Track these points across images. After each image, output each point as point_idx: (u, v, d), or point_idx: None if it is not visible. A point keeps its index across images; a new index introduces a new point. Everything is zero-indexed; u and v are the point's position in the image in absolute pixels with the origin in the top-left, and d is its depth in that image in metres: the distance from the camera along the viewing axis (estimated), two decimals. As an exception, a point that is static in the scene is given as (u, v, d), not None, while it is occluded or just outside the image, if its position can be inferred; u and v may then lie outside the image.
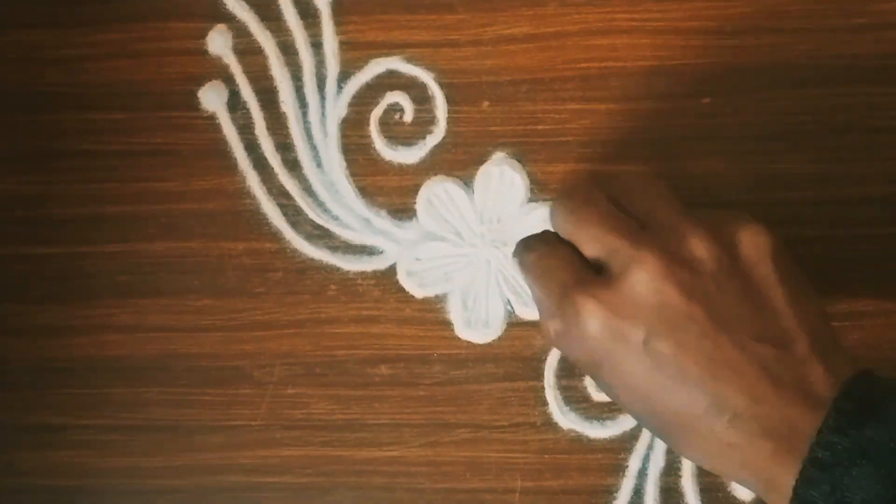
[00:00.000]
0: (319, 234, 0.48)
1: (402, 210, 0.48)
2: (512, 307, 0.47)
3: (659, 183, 0.41)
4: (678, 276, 0.37)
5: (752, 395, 0.36)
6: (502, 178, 0.47)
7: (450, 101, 0.47)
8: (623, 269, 0.37)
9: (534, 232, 0.42)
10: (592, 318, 0.37)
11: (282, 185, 0.48)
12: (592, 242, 0.39)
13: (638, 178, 0.41)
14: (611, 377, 0.38)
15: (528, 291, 0.47)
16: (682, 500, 0.46)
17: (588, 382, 0.47)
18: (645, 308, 0.37)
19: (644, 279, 0.37)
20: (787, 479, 0.35)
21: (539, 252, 0.40)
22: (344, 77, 0.48)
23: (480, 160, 0.47)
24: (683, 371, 0.36)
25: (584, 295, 0.37)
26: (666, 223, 0.38)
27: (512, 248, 0.46)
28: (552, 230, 0.41)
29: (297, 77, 0.48)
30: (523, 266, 0.41)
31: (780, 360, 0.36)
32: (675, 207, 0.39)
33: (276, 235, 0.48)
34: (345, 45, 0.48)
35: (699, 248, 0.37)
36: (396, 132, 0.48)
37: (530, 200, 0.47)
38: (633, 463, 0.46)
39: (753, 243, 0.38)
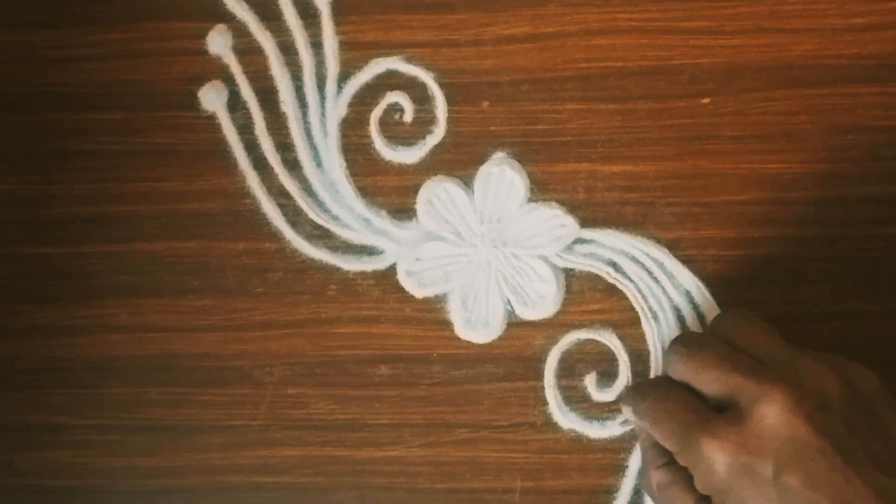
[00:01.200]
0: (319, 234, 0.48)
1: (402, 210, 0.48)
2: (512, 307, 0.47)
3: (762, 322, 0.42)
4: (806, 409, 0.38)
5: None
6: (502, 178, 0.47)
7: (450, 101, 0.47)
8: (750, 405, 0.38)
9: (639, 383, 0.44)
10: (720, 454, 0.38)
11: (282, 185, 0.48)
12: (714, 383, 0.40)
13: (743, 319, 0.42)
14: None
15: (529, 291, 0.47)
16: (682, 500, 0.46)
17: (588, 382, 0.47)
18: (774, 442, 0.37)
19: (773, 413, 0.38)
20: None
21: (655, 396, 0.42)
22: (344, 77, 0.48)
23: (480, 160, 0.47)
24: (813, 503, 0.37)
25: (710, 433, 0.38)
26: (784, 360, 0.40)
27: (512, 247, 0.47)
28: (663, 375, 0.42)
29: (297, 77, 0.48)
30: (638, 412, 0.42)
31: None
32: (785, 345, 0.41)
33: (276, 235, 0.48)
34: (345, 45, 0.48)
35: (823, 382, 0.38)
36: (396, 132, 0.48)
37: (530, 200, 0.47)
38: (633, 463, 0.46)
39: (865, 379, 0.40)
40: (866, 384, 0.40)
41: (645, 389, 0.43)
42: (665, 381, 0.42)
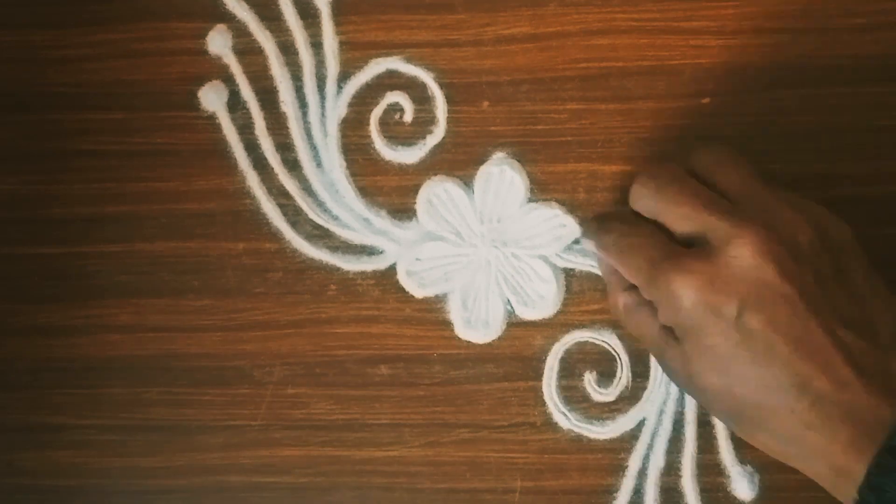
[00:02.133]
0: (319, 234, 0.48)
1: (402, 210, 0.48)
2: (512, 307, 0.47)
3: (743, 159, 0.41)
4: (776, 254, 0.38)
5: (837, 379, 0.36)
6: (502, 178, 0.47)
7: (450, 101, 0.47)
8: (720, 245, 0.38)
9: (601, 214, 0.43)
10: (687, 290, 0.38)
11: (282, 185, 0.48)
12: (684, 220, 0.39)
13: (721, 154, 0.42)
14: (693, 352, 0.39)
15: (529, 291, 0.47)
16: (682, 500, 0.46)
17: (588, 382, 0.47)
18: (741, 283, 0.37)
19: (743, 254, 0.38)
20: (859, 466, 0.36)
21: (621, 231, 0.41)
22: (344, 77, 0.48)
23: (480, 160, 0.47)
24: (772, 348, 0.37)
25: (677, 268, 0.38)
26: (760, 202, 0.39)
27: (512, 247, 0.47)
28: (629, 209, 0.42)
29: (297, 77, 0.48)
30: (602, 245, 0.42)
31: (865, 348, 0.37)
32: (763, 186, 0.40)
33: (276, 235, 0.48)
34: (345, 45, 0.48)
35: (796, 230, 0.38)
36: (396, 132, 0.48)
37: (530, 200, 0.47)
38: (633, 463, 0.46)
39: (839, 231, 0.39)
40: (840, 235, 0.39)
41: (609, 223, 0.42)
42: (631, 216, 0.42)
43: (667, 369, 0.42)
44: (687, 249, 0.39)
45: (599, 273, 0.46)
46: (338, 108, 0.48)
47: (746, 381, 0.38)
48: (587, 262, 0.47)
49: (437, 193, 0.47)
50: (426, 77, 0.47)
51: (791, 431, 0.37)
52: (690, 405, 0.46)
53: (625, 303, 0.42)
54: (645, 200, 0.41)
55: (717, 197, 0.40)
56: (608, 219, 0.43)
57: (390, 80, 0.48)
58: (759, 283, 0.37)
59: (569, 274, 0.47)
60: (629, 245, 0.41)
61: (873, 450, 0.36)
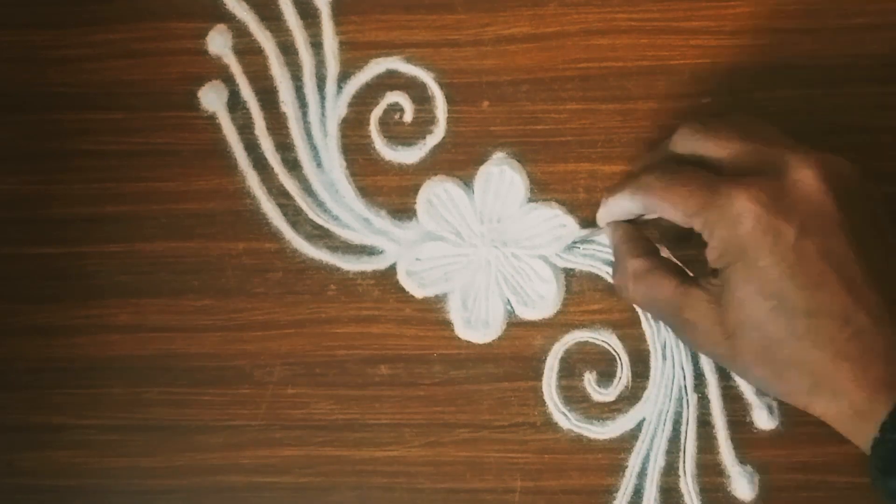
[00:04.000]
0: (319, 234, 0.48)
1: (402, 210, 0.48)
2: (512, 307, 0.47)
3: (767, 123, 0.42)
4: (836, 185, 0.39)
5: (877, 316, 0.37)
6: (502, 178, 0.47)
7: (450, 101, 0.47)
8: (784, 169, 0.39)
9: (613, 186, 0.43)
10: (751, 207, 0.38)
11: (282, 185, 0.48)
12: (740, 152, 0.40)
13: (746, 118, 0.43)
14: (739, 277, 0.39)
15: (529, 291, 0.47)
16: (682, 500, 0.46)
17: (588, 382, 0.47)
18: (802, 206, 0.38)
19: (807, 179, 0.38)
20: (884, 404, 0.37)
21: (664, 168, 0.41)
22: (344, 77, 0.48)
23: (480, 160, 0.47)
24: (824, 275, 0.38)
25: (741, 185, 0.38)
26: (802, 146, 0.40)
27: (512, 248, 0.47)
28: (663, 155, 0.42)
29: (297, 77, 0.48)
30: (642, 185, 0.42)
31: None
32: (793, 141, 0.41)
33: (276, 235, 0.48)
34: (345, 45, 0.48)
35: (848, 169, 0.39)
36: (396, 132, 0.48)
37: (530, 200, 0.47)
38: (633, 463, 0.46)
39: (874, 185, 0.40)
40: (875, 189, 0.41)
41: (650, 165, 0.42)
42: (672, 158, 0.42)
43: (685, 326, 0.41)
44: (743, 175, 0.39)
45: (600, 273, 0.46)
46: (338, 108, 0.48)
47: (794, 306, 0.38)
48: (587, 262, 0.47)
49: (437, 193, 0.47)
50: (426, 77, 0.47)
51: (823, 365, 0.38)
52: (691, 405, 0.46)
53: (635, 268, 0.42)
54: (694, 139, 0.41)
55: (774, 130, 0.41)
56: (645, 165, 0.43)
57: (390, 80, 0.48)
58: (819, 209, 0.38)
59: (569, 274, 0.47)
60: (678, 176, 0.40)
61: None
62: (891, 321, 0.37)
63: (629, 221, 0.44)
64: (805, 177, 0.38)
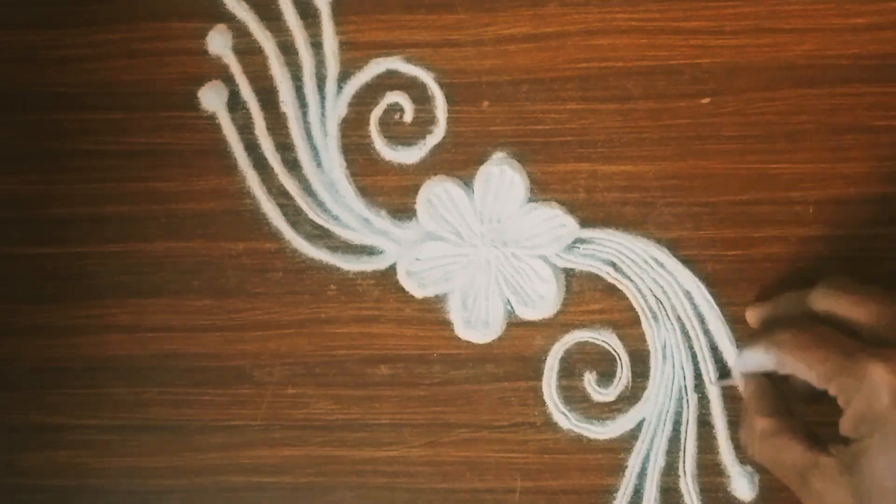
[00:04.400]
0: (319, 234, 0.48)
1: (402, 210, 0.48)
2: (512, 307, 0.47)
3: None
4: None
5: None
6: (502, 178, 0.47)
7: (450, 101, 0.47)
8: None
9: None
10: (888, 381, 0.37)
11: (282, 185, 0.48)
12: (879, 317, 0.40)
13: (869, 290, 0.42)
14: (878, 449, 0.38)
15: (529, 291, 0.47)
16: (682, 500, 0.46)
17: (588, 382, 0.47)
18: None
19: None
20: None
21: (800, 327, 0.41)
22: (344, 77, 0.48)
23: (480, 160, 0.47)
24: None
25: (879, 357, 0.38)
26: None
27: (512, 248, 0.47)
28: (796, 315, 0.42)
29: (297, 77, 0.48)
30: (777, 342, 0.41)
31: None
32: None
33: (276, 235, 0.48)
34: (345, 45, 0.48)
35: None
36: (396, 132, 0.48)
37: (530, 200, 0.47)
38: (633, 463, 0.46)
39: None
40: None
41: (785, 321, 0.42)
42: (808, 316, 0.42)
43: (813, 494, 0.40)
44: (882, 346, 0.39)
45: (600, 273, 0.46)
46: (338, 108, 0.48)
47: None
48: (587, 262, 0.47)
49: (437, 193, 0.47)
50: (426, 77, 0.47)
51: None
52: (691, 405, 0.46)
53: (763, 428, 0.41)
54: (833, 298, 0.41)
55: None
56: (782, 318, 0.43)
57: (390, 80, 0.48)
58: None
59: (569, 274, 0.47)
60: (816, 337, 0.40)
61: None
62: None
63: (765, 376, 0.43)
64: None
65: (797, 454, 0.40)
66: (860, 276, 0.45)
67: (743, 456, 0.46)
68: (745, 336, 0.46)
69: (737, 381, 0.44)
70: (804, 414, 0.42)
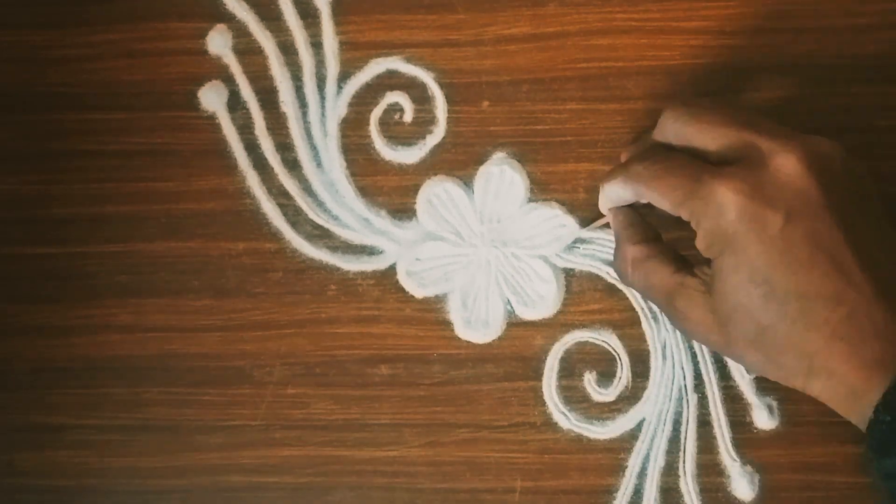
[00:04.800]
0: (319, 234, 0.48)
1: (402, 210, 0.48)
2: (512, 307, 0.47)
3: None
4: (819, 168, 0.39)
5: (870, 297, 0.37)
6: (502, 178, 0.47)
7: (450, 101, 0.47)
8: (766, 157, 0.39)
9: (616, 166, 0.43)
10: (733, 197, 0.38)
11: (282, 185, 0.48)
12: (723, 139, 0.40)
13: (728, 105, 0.43)
14: (729, 266, 0.39)
15: (529, 291, 0.47)
16: (682, 500, 0.46)
17: (588, 382, 0.47)
18: (787, 193, 0.38)
19: (790, 164, 0.38)
20: (879, 385, 0.37)
21: (654, 157, 0.41)
22: (344, 77, 0.48)
23: (480, 160, 0.47)
24: (813, 258, 0.38)
25: (722, 177, 0.39)
26: (783, 130, 0.40)
27: (512, 248, 0.47)
28: (653, 142, 0.42)
29: (297, 77, 0.48)
30: (632, 174, 0.42)
31: (891, 274, 0.38)
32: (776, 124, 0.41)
33: (276, 235, 0.48)
34: (345, 45, 0.48)
35: (830, 150, 0.39)
36: (396, 132, 0.48)
37: (530, 200, 0.47)
38: (633, 463, 0.46)
39: (858, 163, 0.40)
40: (859, 167, 0.40)
41: (641, 153, 0.42)
42: (660, 145, 0.42)
43: (678, 315, 0.42)
44: (727, 165, 0.39)
45: (600, 273, 0.46)
46: (338, 108, 0.48)
47: (785, 291, 0.38)
48: (587, 262, 0.47)
49: (437, 193, 0.47)
50: (426, 77, 0.47)
51: (818, 347, 0.38)
52: (691, 405, 0.46)
53: (634, 255, 0.43)
54: (678, 125, 0.41)
55: (757, 115, 0.41)
56: (637, 151, 0.43)
57: (390, 80, 0.48)
58: (803, 194, 0.38)
59: (569, 274, 0.47)
60: (666, 166, 0.41)
61: (894, 370, 0.37)
62: (883, 300, 0.38)
63: (630, 206, 0.44)
64: (787, 162, 0.38)
65: (665, 277, 0.42)
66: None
67: (743, 455, 0.46)
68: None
69: (606, 216, 0.45)
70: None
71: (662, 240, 0.43)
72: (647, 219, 0.44)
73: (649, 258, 0.42)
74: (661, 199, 0.41)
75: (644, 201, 0.42)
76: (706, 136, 0.40)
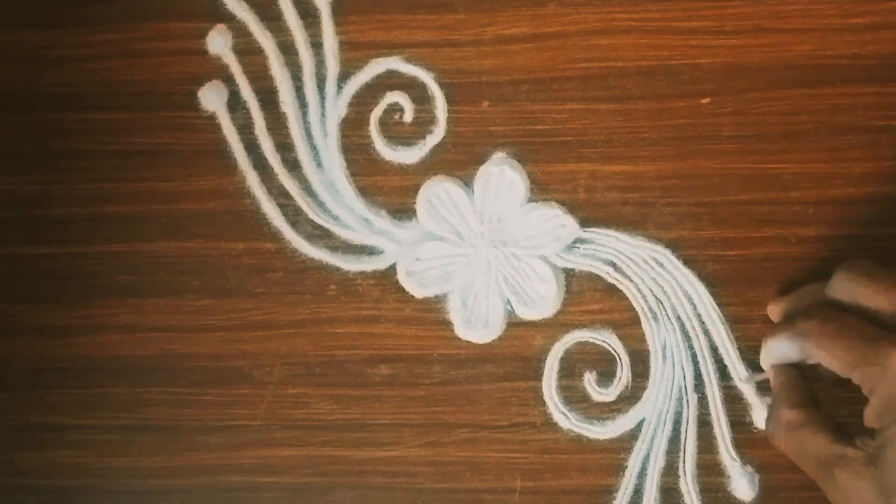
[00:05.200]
0: (319, 234, 0.48)
1: (402, 210, 0.48)
2: (512, 307, 0.47)
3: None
4: None
5: None
6: (502, 178, 0.47)
7: (450, 101, 0.47)
8: None
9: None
10: None
11: (282, 185, 0.48)
12: None
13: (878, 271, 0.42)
14: None
15: (529, 291, 0.47)
16: (682, 500, 0.46)
17: (588, 382, 0.47)
18: None
19: None
20: None
21: (824, 316, 0.40)
22: (344, 77, 0.48)
23: (480, 160, 0.47)
24: None
25: None
26: None
27: (512, 248, 0.47)
28: (822, 302, 0.41)
29: (297, 77, 0.48)
30: (800, 332, 0.41)
31: None
32: None
33: (276, 235, 0.48)
34: (345, 45, 0.48)
35: None
36: (396, 132, 0.48)
37: (530, 200, 0.47)
38: (633, 463, 0.46)
39: None
40: None
41: (807, 311, 0.41)
42: (830, 305, 0.41)
43: (837, 487, 0.39)
44: None
45: (600, 273, 0.46)
46: (338, 108, 0.48)
47: None
48: (587, 262, 0.47)
49: (437, 193, 0.47)
50: (426, 77, 0.47)
51: None
52: (691, 405, 0.46)
53: (790, 419, 0.41)
54: (853, 284, 0.40)
55: None
56: (804, 308, 0.42)
57: (390, 80, 0.48)
58: None
59: (569, 274, 0.47)
60: (839, 326, 0.40)
61: None
62: None
63: (794, 366, 0.43)
64: None
65: (822, 446, 0.40)
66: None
67: (743, 455, 0.46)
68: (746, 335, 0.46)
69: (768, 373, 0.44)
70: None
71: (821, 406, 0.42)
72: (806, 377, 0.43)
73: (807, 424, 0.41)
74: (832, 360, 0.39)
75: (811, 362, 0.41)
76: (883, 299, 0.39)
